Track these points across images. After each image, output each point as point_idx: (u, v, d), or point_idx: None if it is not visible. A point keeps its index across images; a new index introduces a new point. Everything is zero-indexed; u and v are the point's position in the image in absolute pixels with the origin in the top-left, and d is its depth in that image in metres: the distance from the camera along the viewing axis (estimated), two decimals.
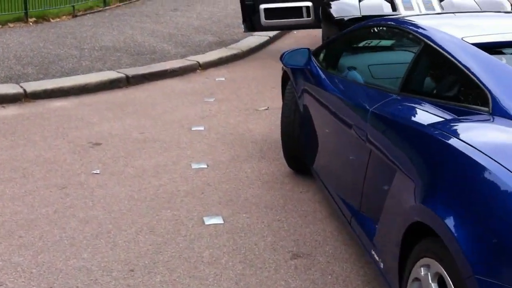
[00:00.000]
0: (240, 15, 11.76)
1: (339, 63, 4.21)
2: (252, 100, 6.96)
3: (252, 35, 9.86)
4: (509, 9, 6.83)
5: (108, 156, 5.37)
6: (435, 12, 6.63)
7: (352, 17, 6.85)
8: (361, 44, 4.43)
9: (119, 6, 12.40)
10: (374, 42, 4.29)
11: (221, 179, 4.88)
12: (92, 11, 11.72)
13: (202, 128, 6.04)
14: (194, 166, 5.15)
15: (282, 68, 5.21)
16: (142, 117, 6.38)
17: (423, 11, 6.71)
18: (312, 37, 10.24)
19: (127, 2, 12.73)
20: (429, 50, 3.20)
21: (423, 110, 2.90)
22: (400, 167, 2.70)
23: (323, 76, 4.14)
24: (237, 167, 5.12)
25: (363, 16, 6.77)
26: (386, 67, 3.84)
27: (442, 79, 3.17)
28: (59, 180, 4.83)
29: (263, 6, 8.96)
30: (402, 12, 6.72)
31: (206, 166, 5.14)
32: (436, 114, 2.78)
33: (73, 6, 11.24)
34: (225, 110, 6.58)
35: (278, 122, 6.17)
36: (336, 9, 7.28)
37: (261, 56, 9.26)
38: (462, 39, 3.11)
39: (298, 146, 4.69)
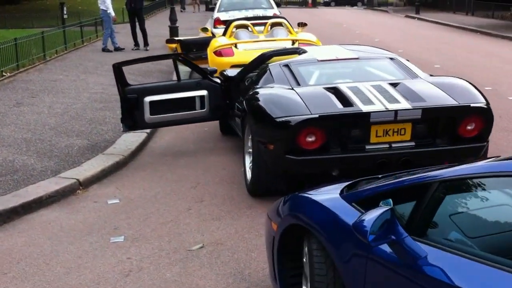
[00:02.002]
0: (102, 105, 10.10)
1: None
2: (175, 234, 5.32)
3: (126, 132, 8.23)
4: (476, 94, 5.74)
5: None
6: (402, 106, 5.36)
7: (304, 118, 5.35)
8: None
9: None
10: None
11: None
12: None
13: None
14: None
15: (281, 218, 3.63)
16: (37, 285, 4.47)
17: (386, 104, 5.41)
18: (193, 128, 8.83)
19: None
20: None
21: None
22: None
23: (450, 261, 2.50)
24: None
25: (319, 116, 5.33)
26: None
27: None
28: None
29: (148, 99, 7.40)
30: (361, 107, 5.38)
31: None
32: None
33: None
34: (149, 257, 4.87)
35: (231, 269, 4.63)
36: (273, 106, 5.70)
37: (146, 160, 7.63)
38: None
39: None
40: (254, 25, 12.12)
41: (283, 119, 5.44)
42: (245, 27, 12.01)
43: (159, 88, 7.59)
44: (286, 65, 6.63)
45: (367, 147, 5.46)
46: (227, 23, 12.83)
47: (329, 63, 6.72)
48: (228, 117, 7.89)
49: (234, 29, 11.90)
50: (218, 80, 7.82)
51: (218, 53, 10.92)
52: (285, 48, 7.90)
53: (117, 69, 7.37)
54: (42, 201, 6.06)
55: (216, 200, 6.14)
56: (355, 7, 48.98)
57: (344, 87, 5.81)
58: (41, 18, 26.56)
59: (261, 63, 7.62)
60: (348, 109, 5.39)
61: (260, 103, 5.89)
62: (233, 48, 10.95)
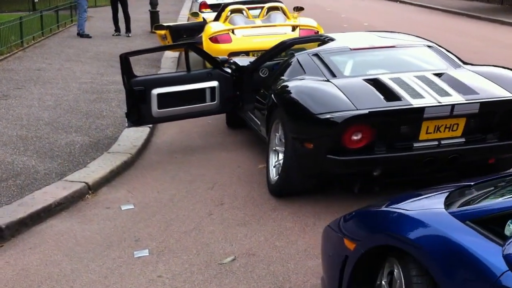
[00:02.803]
0: (95, 97, 9.56)
1: None
2: (202, 245, 4.89)
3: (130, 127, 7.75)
4: None
5: None
6: (455, 100, 4.93)
7: (352, 114, 4.85)
8: None
9: None
10: None
11: None
12: None
13: None
14: None
15: (362, 236, 3.18)
16: None
17: (438, 98, 4.95)
18: (196, 121, 8.29)
19: None
20: None
21: None
22: None
23: None
24: None
25: (369, 112, 4.83)
26: None
27: None
28: None
29: (156, 91, 6.90)
30: (411, 101, 4.92)
31: None
32: None
33: None
34: (181, 274, 4.43)
35: (270, 284, 4.19)
36: (313, 100, 5.20)
37: (154, 158, 7.15)
38: None
39: None
40: (248, 9, 11.62)
41: (327, 115, 4.95)
42: (240, 11, 11.50)
43: (168, 80, 7.11)
44: (316, 55, 6.12)
45: (415, 145, 5.03)
46: (221, 7, 12.28)
47: (363, 52, 6.22)
48: (239, 110, 7.45)
49: (228, 14, 11.37)
50: (229, 70, 7.35)
51: (214, 39, 10.41)
52: (308, 35, 7.38)
53: (124, 59, 6.85)
54: (50, 210, 5.57)
55: (237, 202, 5.72)
56: None
57: (385, 79, 5.36)
58: (11, 2, 25.60)
59: (280, 51, 7.17)
60: (397, 104, 4.94)
61: (296, 97, 5.40)
62: (231, 34, 10.46)
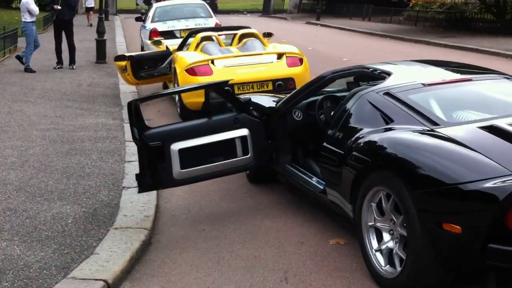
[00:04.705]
0: (67, 148, 7.65)
1: None
2: None
3: (130, 189, 6.00)
4: None
5: None
6: None
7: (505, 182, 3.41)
8: None
9: None
10: None
11: None
12: None
13: None
14: None
15: None
16: None
17: None
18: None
19: None
20: None
21: None
22: None
23: None
24: None
25: None
26: None
27: None
28: None
29: (177, 147, 5.26)
30: None
31: None
32: None
33: None
34: None
35: None
36: (439, 162, 3.76)
37: (175, 232, 5.36)
38: None
39: None
40: (219, 36, 10.44)
41: (480, 185, 3.48)
42: (210, 38, 10.16)
43: (188, 130, 5.45)
44: (388, 93, 4.67)
45: None
46: (187, 34, 11.16)
47: (438, 87, 4.83)
48: (272, 162, 5.83)
49: (199, 41, 10.01)
50: (255, 113, 5.78)
51: (191, 71, 9.06)
52: (352, 67, 5.86)
53: (134, 107, 5.17)
54: None
55: None
56: (247, 14, 45.64)
57: (505, 125, 4.05)
58: None
59: (320, 88, 5.74)
60: None
61: (411, 158, 3.91)
62: (210, 64, 9.05)
